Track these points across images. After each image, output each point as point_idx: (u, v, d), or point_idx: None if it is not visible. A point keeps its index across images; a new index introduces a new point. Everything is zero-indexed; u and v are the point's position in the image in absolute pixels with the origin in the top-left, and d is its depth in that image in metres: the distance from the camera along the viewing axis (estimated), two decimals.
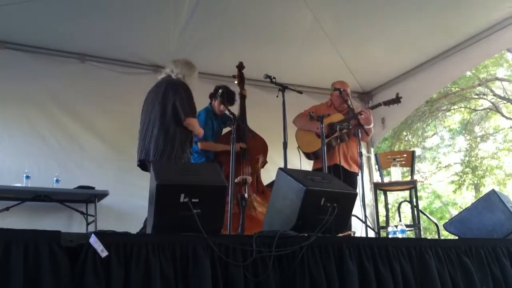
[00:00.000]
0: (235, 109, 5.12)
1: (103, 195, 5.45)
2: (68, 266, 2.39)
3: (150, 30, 5.67)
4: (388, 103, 5.41)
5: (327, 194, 3.19)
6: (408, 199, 6.32)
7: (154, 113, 4.58)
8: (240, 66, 5.26)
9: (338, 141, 5.33)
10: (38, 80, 5.81)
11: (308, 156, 5.51)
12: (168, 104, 4.52)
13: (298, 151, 5.37)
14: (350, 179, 5.24)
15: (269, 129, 5.30)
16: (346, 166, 5.39)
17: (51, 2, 5.03)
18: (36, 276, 2.30)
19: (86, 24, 5.44)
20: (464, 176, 16.84)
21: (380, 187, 6.33)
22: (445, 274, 3.34)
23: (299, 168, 5.05)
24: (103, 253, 2.44)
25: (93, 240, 2.45)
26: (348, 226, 4.34)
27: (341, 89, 5.34)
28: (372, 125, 5.48)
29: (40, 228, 2.51)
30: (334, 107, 5.63)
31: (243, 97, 5.29)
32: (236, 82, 5.25)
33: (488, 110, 16.47)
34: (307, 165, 5.61)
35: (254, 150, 5.12)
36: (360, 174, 5.00)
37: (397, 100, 5.33)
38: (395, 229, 4.62)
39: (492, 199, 4.23)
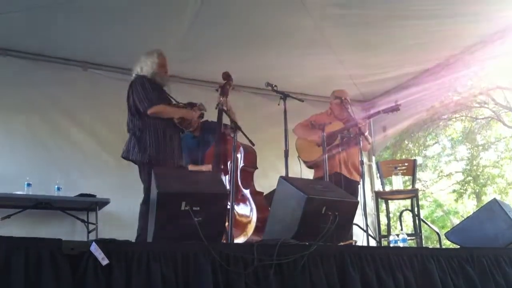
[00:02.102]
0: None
1: (104, 203, 5.45)
2: (69, 274, 2.38)
3: (152, 38, 5.67)
4: (387, 110, 5.42)
5: (328, 203, 3.19)
6: (409, 208, 6.31)
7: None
8: (224, 76, 4.94)
9: (339, 150, 5.34)
10: (41, 88, 5.82)
11: (309, 165, 5.51)
12: (131, 104, 4.57)
13: (298, 160, 5.37)
14: (351, 187, 5.23)
15: (271, 137, 5.29)
16: (347, 174, 5.39)
17: (53, 10, 5.05)
18: (37, 284, 2.30)
19: (88, 32, 5.46)
20: (466, 185, 16.81)
21: (381, 196, 6.32)
22: (448, 282, 3.33)
23: (300, 177, 5.04)
24: (104, 261, 2.44)
25: (94, 248, 2.45)
26: (350, 235, 4.34)
27: (343, 98, 5.35)
28: (366, 133, 5.48)
29: (41, 236, 2.51)
30: (334, 116, 5.63)
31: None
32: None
33: (490, 118, 16.47)
34: (309, 174, 5.60)
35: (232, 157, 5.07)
36: (361, 182, 4.99)
37: (396, 108, 5.33)
38: (396, 238, 4.61)
39: (493, 208, 4.22)
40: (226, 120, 4.80)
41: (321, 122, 5.09)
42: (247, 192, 4.89)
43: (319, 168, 5.30)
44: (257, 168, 5.13)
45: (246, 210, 4.81)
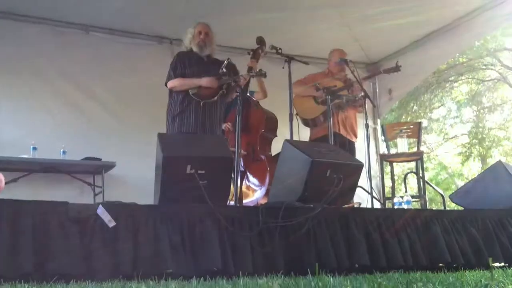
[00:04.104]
0: None
1: (110, 166, 5.47)
2: (76, 236, 2.41)
3: (155, 0, 5.61)
4: (388, 71, 5.36)
5: (333, 166, 3.20)
6: (414, 170, 6.32)
7: None
8: (257, 41, 4.87)
9: (337, 109, 5.28)
10: (43, 52, 5.77)
11: (306, 123, 5.40)
12: None
13: (296, 118, 5.32)
14: (349, 147, 5.24)
15: (275, 100, 5.26)
16: (344, 135, 5.37)
17: None
18: (45, 246, 2.33)
19: None
20: (472, 147, 16.80)
21: (386, 159, 6.32)
22: (452, 243, 3.36)
23: (298, 136, 5.02)
24: (111, 224, 2.47)
25: (101, 211, 2.47)
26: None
27: (349, 60, 5.27)
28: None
29: (48, 199, 2.53)
30: (331, 75, 5.54)
31: (249, 69, 4.92)
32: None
33: (496, 81, 16.33)
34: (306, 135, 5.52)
35: (254, 122, 5.07)
36: (366, 145, 4.97)
37: (396, 68, 5.25)
38: (401, 200, 4.64)
39: (498, 170, 4.22)
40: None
41: (323, 83, 5.05)
42: (263, 157, 4.92)
43: (317, 127, 5.27)
44: (276, 136, 5.14)
45: (259, 175, 4.85)
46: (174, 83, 4.64)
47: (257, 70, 4.54)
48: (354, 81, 5.10)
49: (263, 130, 5.04)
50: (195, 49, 4.76)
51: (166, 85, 4.69)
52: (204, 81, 4.56)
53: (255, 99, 5.24)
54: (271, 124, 5.15)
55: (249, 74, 4.60)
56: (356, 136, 5.45)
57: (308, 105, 5.34)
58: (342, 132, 5.32)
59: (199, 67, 4.69)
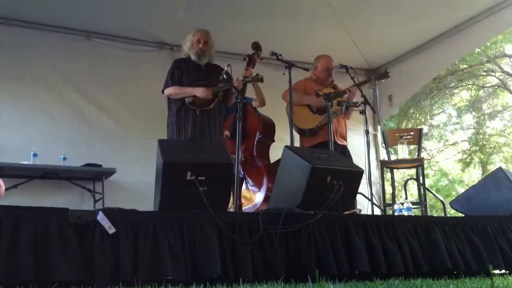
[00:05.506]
0: None
1: (110, 172, 5.47)
2: (76, 243, 2.41)
3: (156, 7, 5.62)
4: (378, 78, 5.46)
5: (333, 172, 3.20)
6: (414, 177, 6.32)
7: None
8: (253, 46, 4.83)
9: (334, 117, 5.28)
10: (45, 58, 5.79)
11: (302, 132, 5.38)
12: None
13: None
14: (344, 153, 5.24)
15: (274, 106, 5.26)
16: (338, 142, 5.37)
17: None
18: (45, 253, 2.32)
19: (92, 0, 5.41)
20: (472, 154, 16.79)
21: (386, 165, 6.33)
22: (453, 250, 3.36)
23: (295, 142, 5.01)
24: (111, 230, 2.46)
25: (101, 217, 2.47)
26: (354, 204, 4.35)
27: (349, 66, 5.27)
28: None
29: (48, 205, 2.53)
30: (319, 82, 5.52)
31: (244, 78, 4.79)
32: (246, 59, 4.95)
33: (496, 87, 16.34)
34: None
35: (251, 127, 5.06)
36: (366, 151, 4.97)
37: (385, 75, 5.34)
38: (401, 206, 4.63)
39: (499, 177, 4.22)
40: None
41: (311, 89, 5.08)
42: (261, 163, 4.91)
43: (313, 136, 5.25)
44: (274, 141, 5.13)
45: (258, 181, 4.84)
46: (170, 91, 4.68)
47: (253, 75, 4.52)
48: (353, 86, 5.10)
49: (260, 136, 5.03)
50: (193, 57, 4.78)
51: (163, 92, 4.71)
52: (198, 91, 4.58)
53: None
54: (268, 129, 5.13)
55: (245, 79, 4.57)
56: (345, 140, 5.48)
57: (305, 114, 5.32)
58: (336, 139, 5.31)
59: (198, 74, 4.69)
